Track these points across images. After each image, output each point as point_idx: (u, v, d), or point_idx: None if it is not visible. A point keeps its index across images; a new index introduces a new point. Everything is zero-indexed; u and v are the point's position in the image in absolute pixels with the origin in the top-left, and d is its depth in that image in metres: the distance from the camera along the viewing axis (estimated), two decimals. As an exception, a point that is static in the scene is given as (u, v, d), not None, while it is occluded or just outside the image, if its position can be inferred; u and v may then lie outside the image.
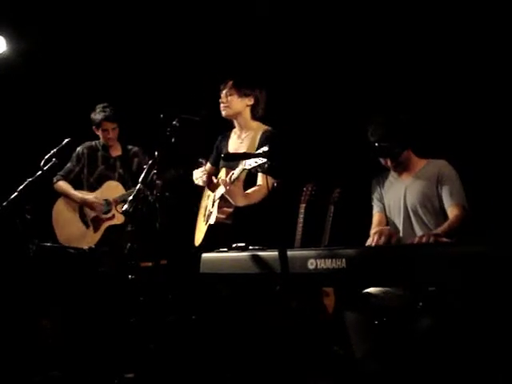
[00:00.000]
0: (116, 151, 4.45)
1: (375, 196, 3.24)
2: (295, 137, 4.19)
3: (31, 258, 3.65)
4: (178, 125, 3.19)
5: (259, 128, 3.46)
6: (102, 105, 4.34)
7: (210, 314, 3.44)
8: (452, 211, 2.87)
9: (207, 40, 4.75)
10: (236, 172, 3.12)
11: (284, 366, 2.56)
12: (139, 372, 3.41)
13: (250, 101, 3.45)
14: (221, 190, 3.29)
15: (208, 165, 3.72)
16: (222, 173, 3.41)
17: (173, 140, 3.19)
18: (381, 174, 3.24)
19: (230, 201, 3.26)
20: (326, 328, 3.99)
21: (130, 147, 4.46)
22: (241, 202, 3.25)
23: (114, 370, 3.46)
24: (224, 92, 3.45)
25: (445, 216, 2.90)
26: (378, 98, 4.16)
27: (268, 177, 2.78)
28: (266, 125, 3.48)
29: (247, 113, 3.48)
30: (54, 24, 4.90)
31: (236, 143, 3.55)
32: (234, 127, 3.58)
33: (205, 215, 3.56)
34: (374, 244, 2.75)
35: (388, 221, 3.15)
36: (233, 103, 3.44)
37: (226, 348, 3.17)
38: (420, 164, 3.09)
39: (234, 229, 3.30)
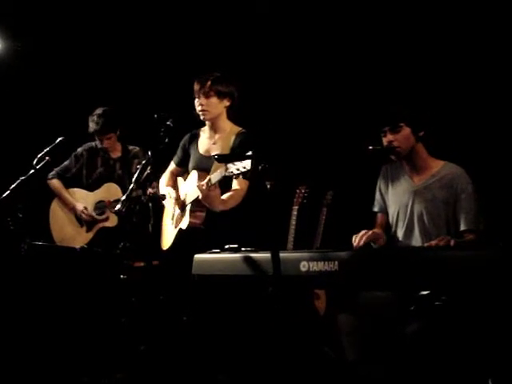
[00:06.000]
0: (116, 152, 4.41)
1: (379, 188, 3.10)
2: (288, 139, 4.20)
3: (23, 256, 3.64)
4: (171, 125, 3.17)
5: (232, 129, 3.40)
6: (97, 112, 4.23)
7: (201, 315, 3.43)
8: (467, 236, 2.77)
9: (205, 41, 4.73)
10: (215, 177, 3.04)
11: (275, 368, 2.56)
12: (129, 372, 3.40)
13: (228, 101, 3.38)
14: (193, 194, 3.22)
15: (172, 165, 3.66)
16: (193, 175, 3.36)
17: (166, 140, 3.17)
18: (393, 165, 3.04)
19: (208, 206, 3.20)
20: (317, 330, 3.99)
21: (130, 148, 4.40)
22: (218, 207, 3.20)
23: (104, 370, 3.45)
24: (201, 94, 3.32)
25: (448, 229, 2.82)
26: (370, 99, 4.14)
27: (244, 180, 2.73)
28: (240, 126, 3.42)
29: (224, 114, 3.42)
30: (49, 22, 4.88)
31: (207, 144, 3.46)
32: (203, 125, 3.49)
33: (173, 218, 3.50)
34: (355, 244, 2.76)
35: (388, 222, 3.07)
36: (212, 106, 3.34)
37: (217, 349, 3.16)
38: (434, 166, 2.91)
39: (207, 233, 3.27)
